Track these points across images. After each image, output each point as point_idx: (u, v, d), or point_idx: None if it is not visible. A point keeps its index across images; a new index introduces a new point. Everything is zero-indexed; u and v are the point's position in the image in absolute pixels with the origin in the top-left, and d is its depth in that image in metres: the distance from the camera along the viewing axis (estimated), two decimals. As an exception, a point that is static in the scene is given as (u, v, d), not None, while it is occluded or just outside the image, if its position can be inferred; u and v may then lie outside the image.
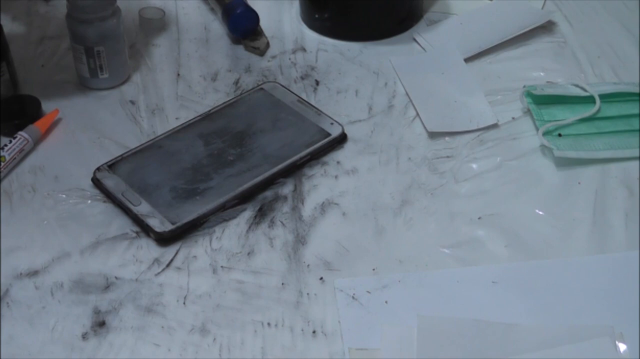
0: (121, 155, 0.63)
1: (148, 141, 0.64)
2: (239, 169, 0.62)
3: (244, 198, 0.60)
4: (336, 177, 0.63)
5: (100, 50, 0.68)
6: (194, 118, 0.66)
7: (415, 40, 0.78)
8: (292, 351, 0.50)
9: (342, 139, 0.65)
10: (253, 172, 0.61)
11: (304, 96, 0.70)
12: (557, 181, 0.62)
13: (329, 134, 0.65)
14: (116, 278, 0.55)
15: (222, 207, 0.59)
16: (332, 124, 0.66)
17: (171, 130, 0.65)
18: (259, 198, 0.61)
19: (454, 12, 0.82)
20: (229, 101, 0.68)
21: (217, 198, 0.59)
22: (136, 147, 0.64)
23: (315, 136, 0.65)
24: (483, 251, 0.56)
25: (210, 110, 0.67)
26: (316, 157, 0.64)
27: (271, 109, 0.67)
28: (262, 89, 0.70)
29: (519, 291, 0.53)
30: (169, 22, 0.80)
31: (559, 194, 0.61)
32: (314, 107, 0.68)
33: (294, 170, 0.63)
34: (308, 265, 0.56)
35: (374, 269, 0.55)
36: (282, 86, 0.70)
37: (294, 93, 0.69)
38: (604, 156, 0.63)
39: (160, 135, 0.65)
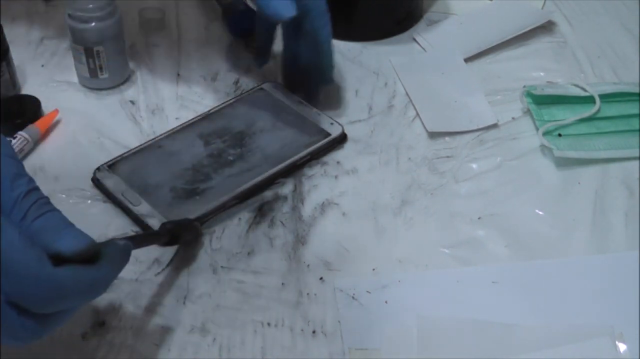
0: (121, 155, 0.63)
1: (148, 141, 0.64)
2: (239, 169, 0.62)
3: (244, 198, 0.60)
4: (336, 177, 0.63)
5: (100, 50, 0.68)
6: (193, 118, 0.66)
7: (415, 40, 0.78)
8: (292, 351, 0.50)
9: (342, 139, 0.65)
10: (253, 172, 0.61)
11: (303, 97, 0.70)
12: (557, 181, 0.62)
13: (329, 134, 0.65)
14: (116, 277, 0.55)
15: (222, 207, 0.59)
16: (332, 124, 0.66)
17: (171, 130, 0.65)
18: (258, 198, 0.61)
19: (454, 12, 0.82)
20: (228, 100, 0.68)
21: (217, 198, 0.59)
22: (136, 148, 0.64)
23: (315, 136, 0.65)
24: (483, 251, 0.56)
25: (210, 110, 0.67)
26: (316, 157, 0.64)
27: (271, 109, 0.67)
28: (262, 89, 0.70)
29: (519, 291, 0.53)
30: (169, 22, 0.80)
31: (558, 194, 0.61)
32: (313, 107, 0.67)
33: (294, 170, 0.63)
34: (308, 265, 0.56)
35: (374, 269, 0.55)
36: (282, 86, 0.70)
37: (293, 93, 0.69)
38: (604, 156, 0.63)
39: (160, 135, 0.65)
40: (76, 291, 0.39)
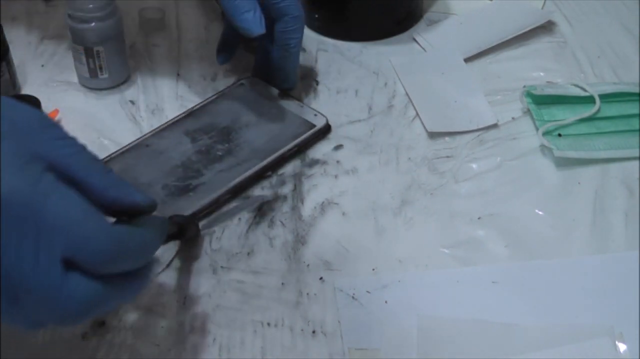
0: (109, 155, 0.63)
1: (134, 140, 0.64)
2: (228, 164, 0.62)
3: (237, 192, 0.60)
4: (336, 177, 0.63)
5: (100, 50, 0.68)
6: (177, 116, 0.66)
7: (415, 40, 0.78)
8: (292, 351, 0.50)
9: (326, 130, 0.66)
10: (243, 166, 0.62)
11: (303, 96, 0.70)
12: (557, 181, 0.62)
13: (313, 126, 0.65)
14: (116, 277, 0.55)
15: (217, 202, 0.59)
16: (315, 115, 0.66)
17: (156, 128, 0.65)
18: (256, 196, 0.61)
19: (454, 12, 0.82)
20: (210, 97, 0.68)
21: (211, 194, 0.59)
22: (123, 147, 0.63)
23: (300, 128, 0.65)
24: (483, 251, 0.56)
25: (193, 107, 0.67)
26: (303, 149, 0.64)
27: (253, 104, 0.68)
28: (242, 84, 0.70)
29: (519, 291, 0.53)
30: (169, 22, 0.80)
31: (558, 194, 0.61)
32: (295, 99, 0.68)
33: (283, 162, 0.63)
34: (308, 265, 0.56)
35: (373, 269, 0.55)
36: (262, 80, 0.70)
37: (274, 87, 0.69)
38: (604, 156, 0.63)
39: (147, 134, 0.65)
40: (132, 248, 0.40)
